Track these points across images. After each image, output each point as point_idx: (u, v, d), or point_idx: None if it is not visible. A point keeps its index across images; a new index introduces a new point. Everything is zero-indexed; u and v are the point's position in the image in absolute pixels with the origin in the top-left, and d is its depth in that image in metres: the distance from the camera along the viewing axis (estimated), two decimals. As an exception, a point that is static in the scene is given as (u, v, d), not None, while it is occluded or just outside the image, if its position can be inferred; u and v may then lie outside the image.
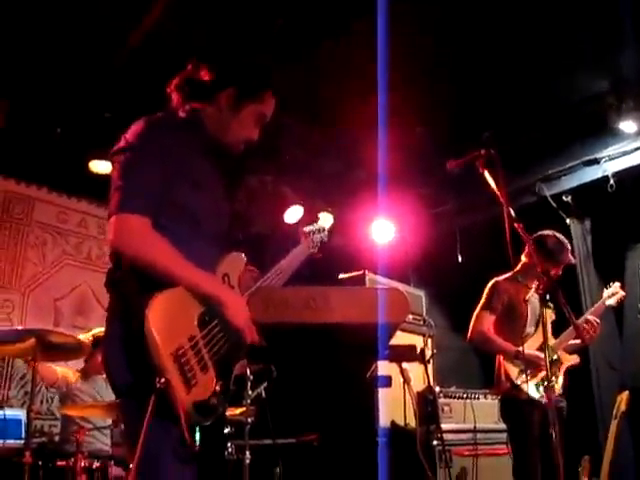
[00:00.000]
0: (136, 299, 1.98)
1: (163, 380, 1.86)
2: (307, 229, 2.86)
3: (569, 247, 4.50)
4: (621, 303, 4.74)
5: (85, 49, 5.06)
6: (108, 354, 2.12)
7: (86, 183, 6.37)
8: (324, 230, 2.93)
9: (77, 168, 6.13)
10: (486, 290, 4.51)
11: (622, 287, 4.72)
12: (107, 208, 2.13)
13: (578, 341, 4.39)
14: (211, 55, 2.39)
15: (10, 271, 6.47)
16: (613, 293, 4.59)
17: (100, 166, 6.00)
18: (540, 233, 4.48)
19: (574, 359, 4.44)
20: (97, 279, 6.94)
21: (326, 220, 2.93)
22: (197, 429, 1.90)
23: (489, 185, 3.33)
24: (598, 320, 4.39)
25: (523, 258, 4.51)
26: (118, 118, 5.41)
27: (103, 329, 2.17)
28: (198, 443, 1.90)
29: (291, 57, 4.96)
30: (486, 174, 3.28)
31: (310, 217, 6.40)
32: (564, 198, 6.40)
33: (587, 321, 4.35)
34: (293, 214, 6.75)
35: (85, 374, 5.26)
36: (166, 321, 1.94)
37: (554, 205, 6.43)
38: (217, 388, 1.99)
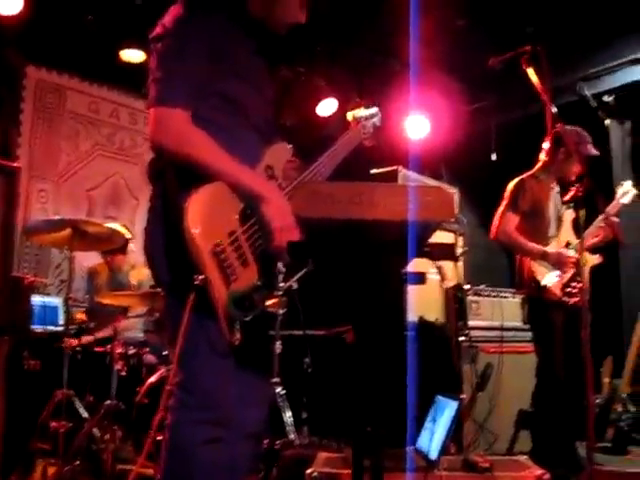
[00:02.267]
0: (176, 193, 1.96)
1: (202, 277, 1.85)
2: (357, 114, 2.67)
3: (589, 139, 4.36)
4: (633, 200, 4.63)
5: None
6: (151, 249, 2.13)
7: (118, 72, 6.30)
8: (377, 114, 2.73)
9: (108, 57, 6.04)
10: (510, 188, 4.40)
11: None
12: (138, 98, 2.08)
13: (598, 238, 4.33)
14: None
15: (44, 161, 6.50)
16: (625, 191, 4.48)
17: (132, 55, 5.90)
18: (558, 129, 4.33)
19: (597, 259, 4.39)
20: (129, 170, 6.99)
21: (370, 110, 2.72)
22: (237, 324, 1.91)
23: (530, 83, 3.24)
24: (616, 219, 4.31)
25: (542, 157, 4.41)
26: (149, 5, 5.28)
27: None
28: (239, 338, 1.91)
29: None
30: (530, 71, 3.19)
31: (343, 111, 6.29)
32: (605, 98, 6.22)
33: (606, 219, 4.26)
34: (327, 107, 6.64)
35: (110, 269, 5.47)
36: (205, 217, 1.90)
37: (594, 105, 6.26)
38: (258, 283, 1.98)
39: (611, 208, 4.38)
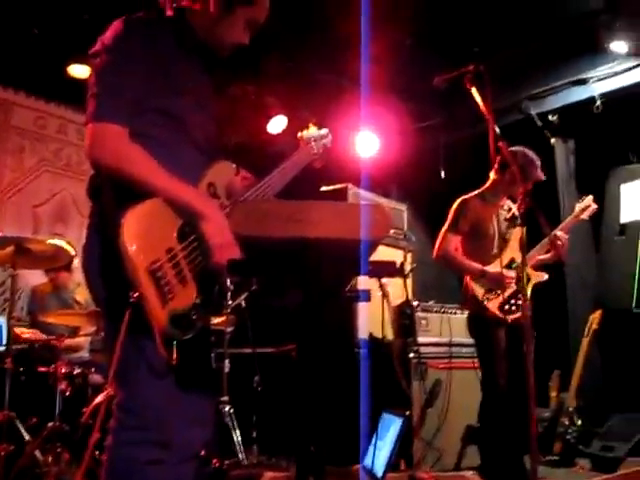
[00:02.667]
0: (113, 210, 1.93)
1: (137, 294, 1.82)
2: (307, 134, 2.69)
3: (539, 163, 4.44)
4: (593, 216, 4.70)
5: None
6: (87, 266, 2.10)
7: (65, 88, 6.21)
8: (327, 136, 2.74)
9: (55, 72, 5.95)
10: (453, 208, 4.46)
11: (602, 208, 4.72)
12: (86, 114, 2.06)
13: (547, 256, 4.41)
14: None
15: (-13, 177, 6.39)
16: (585, 206, 4.56)
17: (79, 70, 5.83)
18: (509, 149, 4.40)
19: (541, 276, 4.47)
20: (77, 186, 6.87)
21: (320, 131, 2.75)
22: (175, 343, 1.88)
23: (476, 102, 3.29)
24: (566, 236, 4.39)
25: (492, 175, 4.48)
26: (97, 20, 5.22)
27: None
28: (176, 357, 1.89)
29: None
30: (473, 90, 3.23)
31: (293, 128, 6.31)
32: (550, 117, 6.36)
33: (555, 237, 4.34)
34: (277, 124, 6.64)
35: (55, 287, 5.38)
36: (142, 234, 1.88)
37: (539, 124, 6.39)
38: (197, 301, 1.95)
39: (567, 223, 4.47)
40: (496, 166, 4.33)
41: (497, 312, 4.21)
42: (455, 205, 4.46)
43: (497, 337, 4.20)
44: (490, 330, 4.23)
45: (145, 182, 1.97)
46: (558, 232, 4.36)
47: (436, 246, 4.47)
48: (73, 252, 4.77)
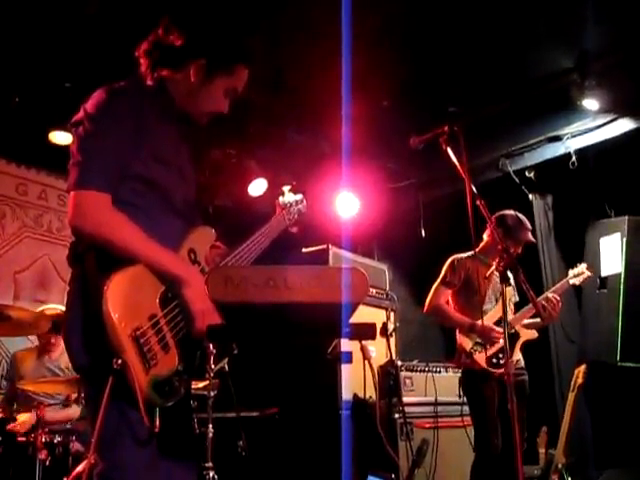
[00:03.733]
0: (95, 277, 1.93)
1: (120, 361, 1.82)
2: (283, 200, 2.75)
3: (529, 227, 4.57)
4: (585, 282, 4.79)
5: (43, 13, 4.89)
6: (68, 332, 2.07)
7: (46, 154, 6.24)
8: (302, 201, 2.82)
9: (37, 139, 5.99)
10: (445, 265, 4.61)
11: (582, 262, 4.80)
12: (67, 181, 2.07)
13: (537, 320, 4.46)
14: (183, 18, 2.26)
15: (-32, 244, 6.36)
16: (579, 273, 4.64)
17: (60, 137, 5.87)
18: (501, 212, 4.55)
19: (532, 334, 4.51)
20: (58, 252, 6.84)
21: (295, 196, 2.83)
22: (157, 410, 1.87)
23: (452, 161, 3.34)
24: (558, 297, 4.45)
25: (485, 237, 4.60)
26: (79, 88, 5.29)
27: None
28: (158, 424, 1.87)
29: (254, 26, 4.86)
30: (449, 151, 3.28)
31: (274, 190, 6.36)
32: (527, 174, 6.47)
33: (547, 299, 4.41)
34: (257, 187, 6.70)
35: (40, 353, 5.28)
36: (125, 300, 1.88)
37: (517, 181, 6.49)
38: (179, 368, 1.95)
39: (558, 288, 4.55)
40: (489, 228, 4.43)
41: (485, 365, 4.24)
42: (448, 262, 4.61)
43: (488, 393, 4.22)
44: (480, 386, 4.26)
45: (127, 249, 1.98)
46: (550, 294, 4.44)
47: (428, 299, 4.57)
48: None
